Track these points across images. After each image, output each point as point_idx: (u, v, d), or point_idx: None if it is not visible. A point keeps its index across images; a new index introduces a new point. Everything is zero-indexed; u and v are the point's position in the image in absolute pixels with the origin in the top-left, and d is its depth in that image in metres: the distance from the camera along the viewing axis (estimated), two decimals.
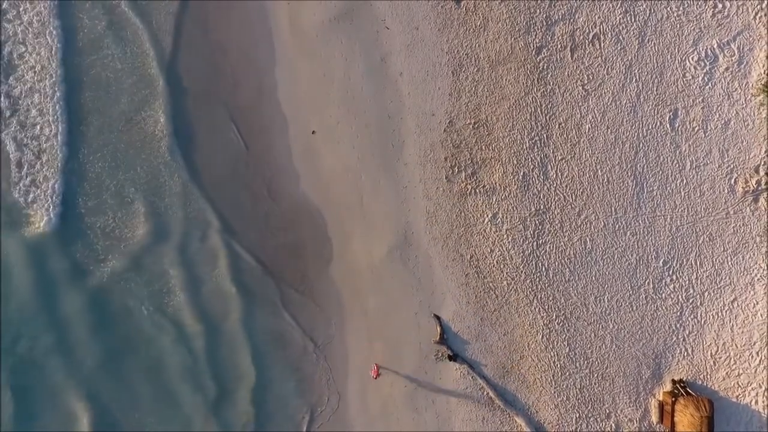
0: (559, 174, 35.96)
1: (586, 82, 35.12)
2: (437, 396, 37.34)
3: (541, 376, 35.34)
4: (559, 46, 35.19)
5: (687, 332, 34.99)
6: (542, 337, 35.52)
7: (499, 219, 36.42)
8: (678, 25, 35.49)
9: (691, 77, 35.44)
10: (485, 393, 35.66)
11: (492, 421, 35.77)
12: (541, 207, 36.28)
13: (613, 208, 35.45)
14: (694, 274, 35.04)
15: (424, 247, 36.19)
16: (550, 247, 36.30)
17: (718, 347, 35.69)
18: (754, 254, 34.47)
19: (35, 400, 36.76)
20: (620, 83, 35.02)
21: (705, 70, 35.44)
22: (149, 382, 36.14)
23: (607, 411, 35.95)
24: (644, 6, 35.58)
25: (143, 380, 35.89)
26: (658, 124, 34.85)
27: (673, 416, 35.06)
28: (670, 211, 35.03)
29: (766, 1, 36.27)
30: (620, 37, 35.22)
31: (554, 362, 35.55)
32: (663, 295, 35.13)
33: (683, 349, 35.48)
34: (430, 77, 36.31)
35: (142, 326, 35.95)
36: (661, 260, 35.10)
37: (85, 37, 37.39)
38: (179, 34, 37.06)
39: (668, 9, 35.56)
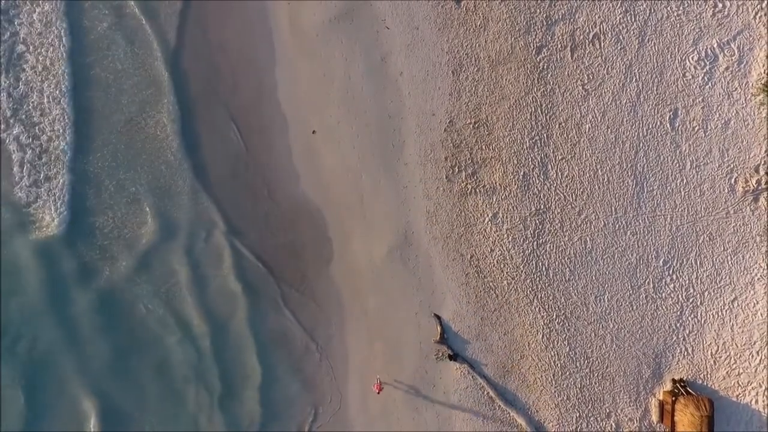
0: (560, 174, 35.99)
1: (586, 81, 35.20)
2: (438, 396, 37.64)
3: (542, 376, 35.36)
4: (559, 45, 35.25)
5: (687, 332, 35.00)
6: (542, 336, 35.70)
7: (499, 218, 36.41)
8: (678, 25, 35.51)
9: (691, 77, 35.46)
10: (485, 392, 35.68)
11: (492, 420, 35.79)
12: (542, 206, 36.30)
13: (613, 208, 35.48)
14: (695, 273, 35.04)
15: (424, 247, 35.95)
16: (550, 246, 36.33)
17: (718, 346, 35.69)
18: (754, 254, 34.49)
19: (44, 399, 36.87)
20: (620, 83, 35.10)
21: (705, 70, 35.45)
22: (157, 381, 36.41)
23: (608, 410, 35.95)
24: (644, 6, 35.58)
25: (151, 379, 36.19)
26: (658, 123, 34.87)
27: (673, 416, 35.19)
28: (670, 211, 35.06)
29: (766, 1, 36.28)
30: (620, 36, 35.24)
31: (554, 362, 35.58)
32: (663, 294, 35.14)
33: (683, 349, 35.48)
34: (431, 77, 36.14)
35: (148, 325, 36.15)
36: (662, 260, 35.13)
37: (90, 37, 37.42)
38: (182, 34, 37.13)
39: (668, 8, 35.56)
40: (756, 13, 33.35)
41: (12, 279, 35.58)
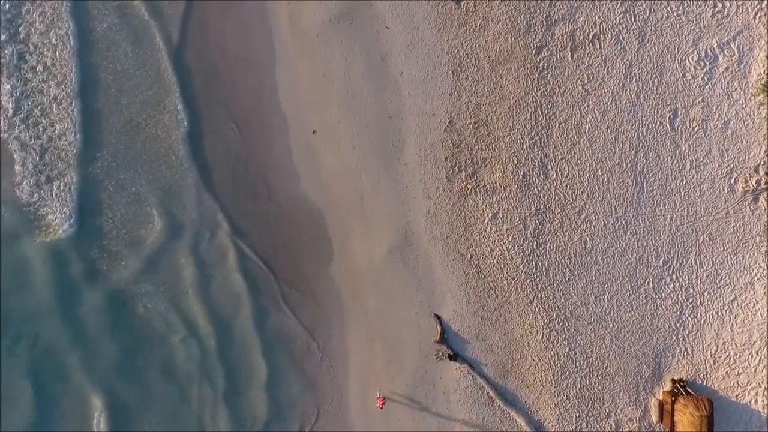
0: (559, 174, 36.00)
1: (586, 81, 35.22)
2: (437, 395, 37.54)
3: (541, 376, 35.39)
4: (559, 46, 35.25)
5: (687, 332, 35.02)
6: (542, 336, 35.72)
7: (499, 218, 36.42)
8: (678, 25, 35.51)
9: (690, 77, 35.47)
10: (485, 392, 35.70)
11: (492, 420, 35.81)
12: (542, 206, 36.31)
13: (613, 208, 35.50)
14: (694, 273, 35.07)
15: (424, 247, 35.91)
16: (550, 246, 36.35)
17: (717, 347, 35.70)
18: (753, 254, 34.51)
19: (52, 397, 36.91)
20: (620, 83, 35.11)
21: (705, 70, 35.47)
22: (162, 380, 36.51)
23: (607, 410, 35.97)
24: (644, 6, 35.59)
25: (156, 378, 36.28)
26: (658, 123, 34.88)
27: (672, 415, 35.19)
28: (670, 211, 35.07)
29: (765, 1, 36.28)
30: (620, 36, 35.25)
31: (554, 362, 35.60)
32: (663, 294, 35.16)
33: (683, 349, 35.50)
34: (431, 77, 36.11)
35: (154, 325, 36.26)
36: (661, 260, 35.15)
37: (95, 38, 37.29)
38: (184, 35, 37.14)
39: (668, 9, 35.56)
40: (756, 14, 33.37)
41: (19, 279, 35.70)
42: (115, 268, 35.62)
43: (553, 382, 34.21)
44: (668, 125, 33.63)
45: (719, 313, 33.83)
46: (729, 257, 33.65)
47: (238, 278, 35.94)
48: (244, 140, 35.44)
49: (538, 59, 34.07)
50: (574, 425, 34.24)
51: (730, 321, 33.83)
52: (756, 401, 33.47)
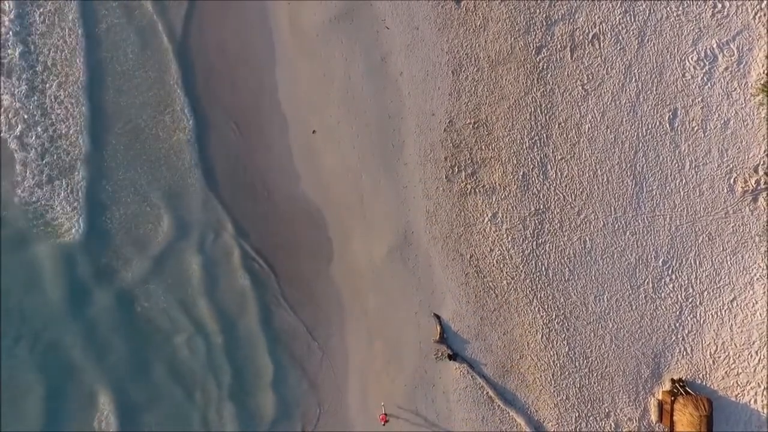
0: (559, 174, 36.00)
1: (585, 81, 35.20)
2: (437, 395, 37.48)
3: (541, 376, 35.38)
4: (558, 46, 35.28)
5: (686, 331, 35.01)
6: (542, 336, 35.72)
7: (498, 218, 36.42)
8: (677, 25, 35.51)
9: (690, 77, 35.46)
10: (485, 392, 35.70)
11: (492, 420, 35.80)
12: (541, 206, 36.30)
13: (612, 208, 35.51)
14: (694, 273, 35.06)
15: (424, 247, 35.88)
16: (549, 246, 36.35)
17: (717, 346, 35.70)
18: (753, 254, 34.51)
19: (61, 397, 37.07)
20: (620, 83, 35.10)
21: (704, 70, 35.46)
22: (169, 379, 36.53)
23: (607, 410, 35.97)
24: (644, 6, 35.58)
25: (163, 376, 36.31)
26: (658, 123, 34.87)
27: (672, 415, 35.15)
28: (669, 211, 35.07)
29: (765, 1, 36.28)
30: (620, 37, 35.24)
31: (554, 361, 35.59)
32: (662, 294, 35.15)
33: (682, 349, 35.50)
34: (430, 77, 36.10)
35: (161, 324, 36.27)
36: (661, 260, 35.14)
37: (99, 38, 37.31)
38: (186, 35, 37.20)
39: (668, 9, 35.56)
40: (755, 14, 33.37)
41: (26, 279, 35.76)
42: (121, 268, 35.76)
43: (553, 382, 34.21)
44: (668, 125, 33.62)
45: (718, 313, 33.83)
46: (728, 257, 33.65)
47: (241, 278, 36.00)
48: (244, 140, 35.45)
49: (537, 59, 34.06)
50: (574, 425, 34.24)
51: (729, 321, 33.83)
52: (755, 401, 33.47)
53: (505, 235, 34.55)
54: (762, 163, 33.23)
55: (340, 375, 35.69)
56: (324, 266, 35.55)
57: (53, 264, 35.45)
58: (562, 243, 34.33)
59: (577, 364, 34.19)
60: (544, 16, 34.07)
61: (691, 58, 33.78)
